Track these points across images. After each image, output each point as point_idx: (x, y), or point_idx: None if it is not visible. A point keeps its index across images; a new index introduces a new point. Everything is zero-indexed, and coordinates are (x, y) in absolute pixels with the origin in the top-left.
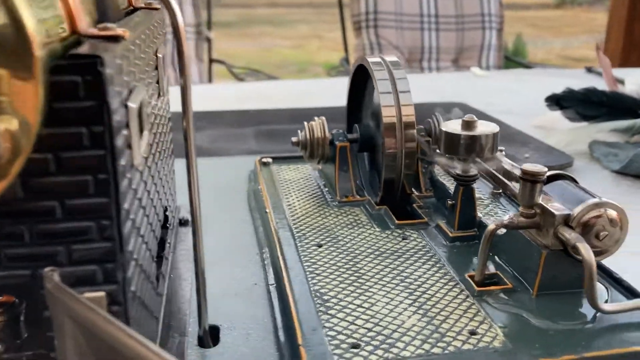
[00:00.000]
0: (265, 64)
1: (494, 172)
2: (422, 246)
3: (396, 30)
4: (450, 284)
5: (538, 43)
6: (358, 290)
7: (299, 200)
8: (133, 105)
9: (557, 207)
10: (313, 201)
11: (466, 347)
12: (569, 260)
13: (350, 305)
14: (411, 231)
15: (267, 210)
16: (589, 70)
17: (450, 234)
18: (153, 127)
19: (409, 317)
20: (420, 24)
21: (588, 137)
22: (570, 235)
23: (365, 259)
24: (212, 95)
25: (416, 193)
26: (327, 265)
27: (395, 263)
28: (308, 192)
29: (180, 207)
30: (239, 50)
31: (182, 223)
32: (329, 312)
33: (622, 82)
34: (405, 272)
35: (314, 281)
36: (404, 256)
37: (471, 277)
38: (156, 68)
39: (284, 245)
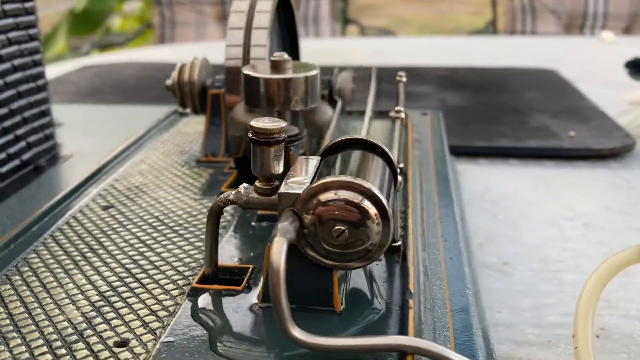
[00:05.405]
0: (437, 30)
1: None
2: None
3: None
4: (186, 273)
5: None
6: (58, 269)
7: (160, 156)
8: None
9: (294, 184)
10: (173, 158)
11: None
12: (304, 261)
13: (34, 283)
14: None
15: (100, 162)
16: None
17: (259, 211)
18: None
19: (78, 308)
20: None
21: None
22: (282, 223)
23: (133, 230)
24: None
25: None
26: (81, 231)
27: (159, 239)
28: (182, 148)
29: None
30: (413, 14)
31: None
32: None
33: None
34: (153, 252)
35: (40, 248)
36: (180, 232)
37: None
38: None
39: (65, 202)
